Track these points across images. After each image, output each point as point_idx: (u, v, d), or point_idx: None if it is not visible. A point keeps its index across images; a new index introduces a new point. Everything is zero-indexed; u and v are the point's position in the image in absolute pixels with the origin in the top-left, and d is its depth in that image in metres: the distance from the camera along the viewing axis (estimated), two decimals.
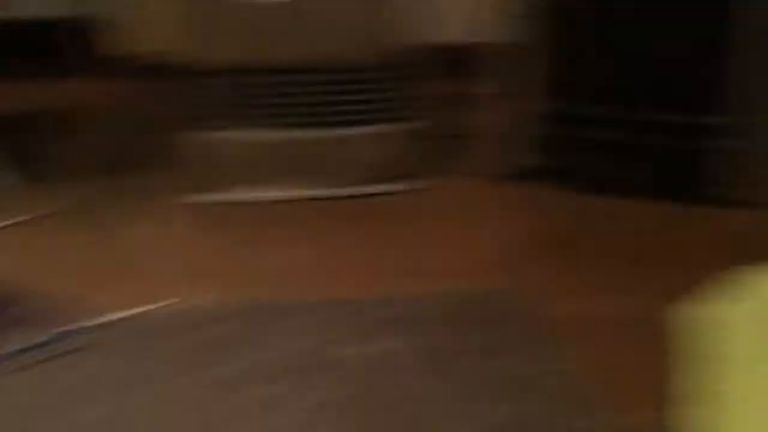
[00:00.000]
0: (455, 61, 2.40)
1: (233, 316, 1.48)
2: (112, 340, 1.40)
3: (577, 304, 1.58)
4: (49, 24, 2.81)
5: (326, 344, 1.39)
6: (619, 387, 1.29)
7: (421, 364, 1.35)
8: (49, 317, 1.43)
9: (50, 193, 2.05)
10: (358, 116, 1.99)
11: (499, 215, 1.95)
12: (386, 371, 1.32)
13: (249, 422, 1.19)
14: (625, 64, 1.95)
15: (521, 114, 1.99)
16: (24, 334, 1.38)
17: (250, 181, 1.99)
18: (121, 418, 1.19)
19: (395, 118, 2.00)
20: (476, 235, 1.84)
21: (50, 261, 1.70)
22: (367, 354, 1.37)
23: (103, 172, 2.17)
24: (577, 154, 2.02)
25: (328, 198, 1.99)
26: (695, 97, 1.94)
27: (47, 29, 2.80)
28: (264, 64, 1.93)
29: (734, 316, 1.06)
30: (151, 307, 1.47)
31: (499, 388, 1.29)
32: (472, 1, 2.30)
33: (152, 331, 1.43)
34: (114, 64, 2.61)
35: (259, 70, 1.94)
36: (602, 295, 1.61)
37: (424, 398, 1.26)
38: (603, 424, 1.19)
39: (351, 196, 1.99)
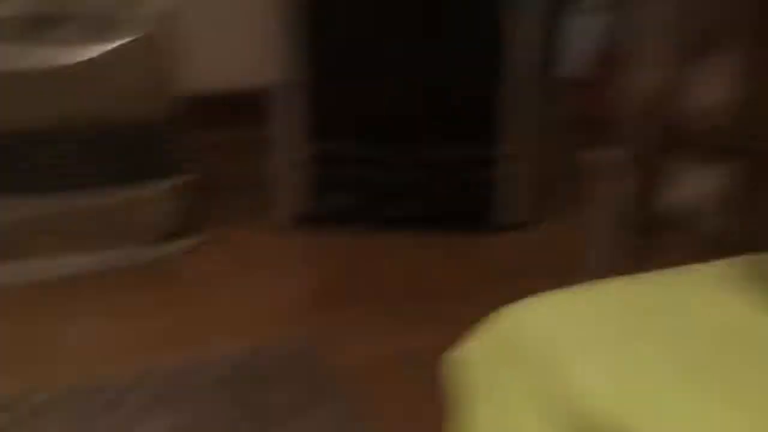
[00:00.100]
0: (228, 107, 2.32)
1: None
2: None
3: (366, 349, 1.57)
4: None
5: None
6: None
7: None
8: None
9: None
10: (130, 176, 1.86)
11: (282, 265, 1.91)
12: None
13: None
14: (393, 99, 1.96)
15: (294, 158, 1.93)
16: None
17: (11, 257, 1.80)
18: None
19: (168, 174, 1.89)
20: (260, 290, 1.78)
21: None
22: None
23: None
24: (355, 195, 2.00)
25: (101, 268, 1.85)
26: (467, 128, 1.98)
27: None
28: (18, 129, 1.76)
29: (473, 355, 1.04)
30: None
31: None
32: (239, 45, 2.23)
33: None
34: None
35: (11, 135, 1.76)
36: (390, 336, 1.62)
37: None
38: None
39: (127, 263, 1.87)
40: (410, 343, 1.57)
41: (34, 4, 1.82)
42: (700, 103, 0.96)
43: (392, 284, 1.81)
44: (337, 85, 1.93)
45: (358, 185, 1.99)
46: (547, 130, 2.22)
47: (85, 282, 1.78)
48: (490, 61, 1.90)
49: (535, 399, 0.91)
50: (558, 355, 0.90)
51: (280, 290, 1.78)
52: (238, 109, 2.29)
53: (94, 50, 1.75)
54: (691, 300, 0.97)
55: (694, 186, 1.31)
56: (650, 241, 1.61)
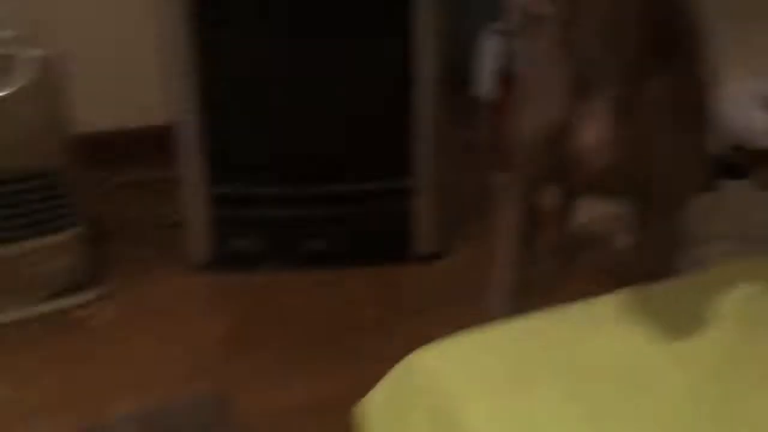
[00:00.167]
0: (129, 148, 2.26)
1: None
2: None
3: (278, 398, 1.52)
4: None
5: None
6: None
7: None
8: None
9: None
10: (27, 227, 1.77)
11: (189, 312, 1.83)
12: None
13: None
14: (298, 136, 1.92)
15: (199, 200, 1.88)
16: None
17: None
18: None
19: (68, 223, 1.81)
20: (167, 340, 1.71)
21: None
22: None
23: None
24: (264, 235, 1.94)
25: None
26: (376, 160, 1.95)
27: None
28: None
29: (375, 407, 1.02)
30: None
31: None
32: (138, 84, 2.17)
33: None
34: None
35: None
36: (304, 381, 1.57)
37: None
38: None
39: (26, 317, 1.77)
40: (325, 389, 1.52)
41: None
42: (582, 142, 0.95)
43: (306, 325, 1.76)
44: (238, 124, 1.88)
45: (267, 225, 1.94)
46: (459, 156, 2.22)
47: None
48: (397, 92, 1.88)
49: None
50: (452, 404, 0.88)
51: (189, 339, 1.71)
52: (140, 150, 2.22)
53: None
54: (586, 338, 0.96)
55: (592, 214, 1.32)
56: (553, 266, 1.61)
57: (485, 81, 2.53)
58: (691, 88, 1.05)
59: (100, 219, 2.01)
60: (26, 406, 1.51)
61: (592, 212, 1.37)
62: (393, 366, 1.00)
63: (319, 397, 1.51)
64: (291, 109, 1.88)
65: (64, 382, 1.57)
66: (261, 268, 1.92)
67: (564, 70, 0.99)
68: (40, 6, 2.05)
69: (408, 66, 1.85)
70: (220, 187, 1.90)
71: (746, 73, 2.07)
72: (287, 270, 1.92)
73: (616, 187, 1.11)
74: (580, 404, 0.84)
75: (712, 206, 1.76)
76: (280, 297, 1.84)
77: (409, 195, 1.96)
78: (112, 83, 2.22)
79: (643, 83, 0.99)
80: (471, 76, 2.71)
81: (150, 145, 2.04)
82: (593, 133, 0.93)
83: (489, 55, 2.54)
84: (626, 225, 1.31)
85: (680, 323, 0.92)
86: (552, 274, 1.62)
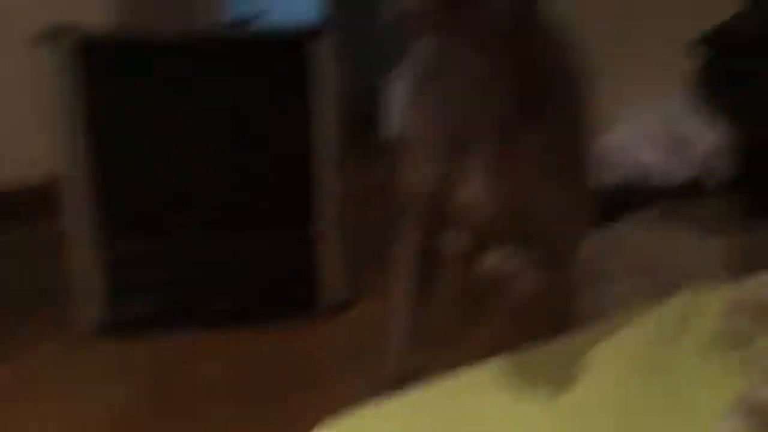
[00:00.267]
0: (13, 205, 2.15)
1: None
2: None
3: None
4: None
5: None
6: None
7: None
8: None
9: None
10: None
11: (82, 384, 1.71)
12: None
13: None
14: (191, 190, 1.87)
15: (89, 260, 1.78)
16: None
17: None
18: None
19: None
20: (56, 416, 1.59)
21: None
22: None
23: None
24: (159, 296, 1.86)
25: None
26: (276, 211, 1.91)
27: None
28: None
29: None
30: None
31: None
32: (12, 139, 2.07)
33: None
34: None
35: None
36: None
37: None
38: None
39: None
40: None
41: None
42: (460, 198, 0.94)
43: (210, 389, 1.67)
44: (130, 176, 1.81)
45: (162, 284, 1.85)
46: (369, 200, 2.19)
47: None
48: (297, 140, 1.85)
49: None
50: None
51: (81, 414, 1.59)
52: (17, 209, 2.11)
53: None
54: (482, 407, 0.92)
55: (497, 259, 1.29)
56: (458, 313, 1.59)
57: (393, 123, 2.52)
58: (569, 135, 1.05)
59: None
60: None
61: (497, 257, 1.35)
62: None
63: None
64: (187, 160, 1.82)
65: None
66: (161, 332, 1.82)
67: (442, 127, 0.98)
68: None
69: (307, 114, 1.82)
70: (112, 245, 1.81)
71: (636, 111, 2.12)
72: (191, 332, 1.83)
73: (502, 237, 1.10)
74: None
75: (611, 244, 1.77)
76: (182, 361, 1.74)
77: (313, 244, 1.92)
78: None
79: (518, 136, 0.98)
80: (380, 119, 2.71)
81: (28, 203, 1.94)
82: (470, 189, 0.93)
83: (396, 98, 2.54)
84: (529, 269, 1.30)
85: (567, 381, 0.90)
86: (457, 321, 1.58)
